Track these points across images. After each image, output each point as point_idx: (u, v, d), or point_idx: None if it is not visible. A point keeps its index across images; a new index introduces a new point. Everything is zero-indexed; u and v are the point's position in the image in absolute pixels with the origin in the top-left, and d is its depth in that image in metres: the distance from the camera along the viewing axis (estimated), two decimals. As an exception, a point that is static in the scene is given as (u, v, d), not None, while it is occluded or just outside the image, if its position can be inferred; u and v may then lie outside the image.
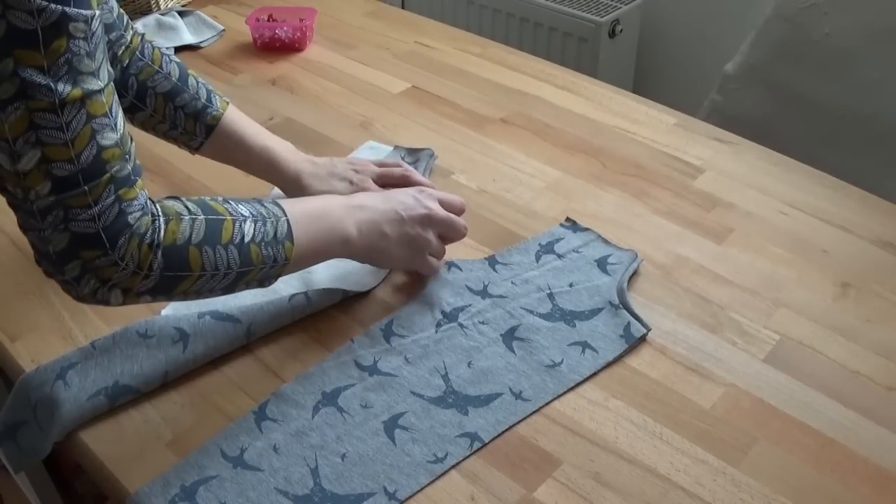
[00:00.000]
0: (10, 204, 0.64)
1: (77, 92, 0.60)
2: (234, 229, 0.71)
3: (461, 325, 0.84)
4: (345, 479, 0.70)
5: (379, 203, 0.83)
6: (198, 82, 0.94)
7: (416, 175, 0.99)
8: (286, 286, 0.88)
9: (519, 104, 1.21)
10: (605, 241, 0.93)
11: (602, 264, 0.90)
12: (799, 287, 0.88)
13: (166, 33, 1.38)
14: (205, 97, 0.94)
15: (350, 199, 0.83)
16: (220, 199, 0.74)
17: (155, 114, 0.92)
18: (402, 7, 2.22)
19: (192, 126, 0.93)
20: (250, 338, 0.83)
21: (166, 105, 0.92)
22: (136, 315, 0.85)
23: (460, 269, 0.90)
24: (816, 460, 0.71)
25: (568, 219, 0.97)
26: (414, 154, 1.09)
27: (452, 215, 0.88)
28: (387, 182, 0.97)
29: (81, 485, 1.32)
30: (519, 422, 0.75)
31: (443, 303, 0.86)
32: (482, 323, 0.84)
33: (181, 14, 1.43)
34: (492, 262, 0.91)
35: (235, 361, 0.82)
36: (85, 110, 0.61)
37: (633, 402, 0.76)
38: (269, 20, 1.39)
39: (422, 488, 0.70)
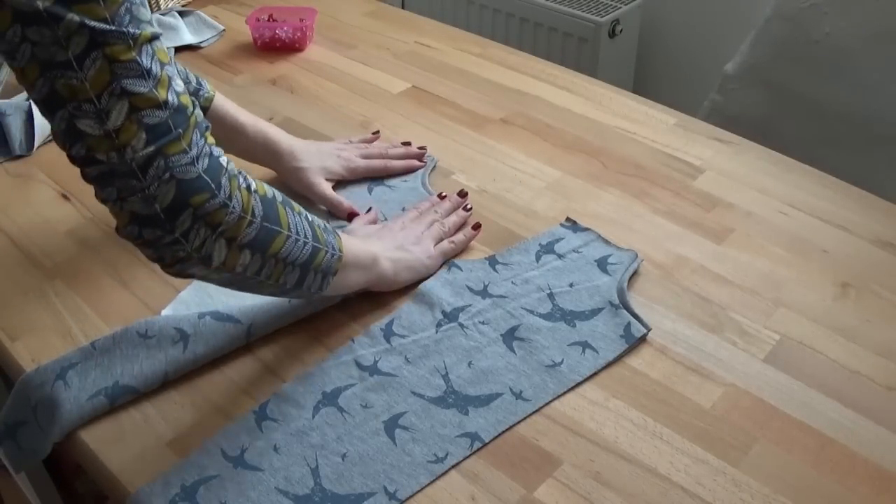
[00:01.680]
0: (102, 176, 0.62)
1: (146, 33, 0.60)
2: (295, 206, 0.73)
3: (461, 325, 0.84)
4: (345, 478, 0.70)
5: (394, 234, 0.90)
6: (185, 69, 0.95)
7: (394, 150, 1.07)
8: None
9: (519, 104, 1.21)
10: (605, 241, 0.93)
11: (602, 264, 0.90)
12: (799, 287, 0.88)
13: (166, 33, 1.38)
14: (195, 81, 0.95)
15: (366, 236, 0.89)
16: None
17: None
18: (402, 7, 2.22)
19: None
20: (250, 338, 0.83)
21: None
22: (137, 315, 0.85)
23: (460, 269, 0.90)
24: (816, 460, 0.71)
25: (568, 219, 0.97)
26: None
27: (454, 221, 0.95)
28: (367, 156, 1.05)
29: (81, 485, 1.32)
30: (519, 422, 0.75)
31: (443, 303, 0.86)
32: (482, 323, 0.84)
33: (181, 14, 1.43)
34: (492, 262, 0.92)
35: (235, 361, 0.82)
36: (157, 57, 0.61)
37: (633, 402, 0.76)
38: (269, 20, 1.39)
39: (422, 488, 0.70)
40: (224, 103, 0.98)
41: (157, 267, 0.92)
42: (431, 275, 0.89)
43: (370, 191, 1.03)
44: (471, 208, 0.97)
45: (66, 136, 0.60)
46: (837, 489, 0.69)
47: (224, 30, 1.43)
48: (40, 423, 0.76)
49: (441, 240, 0.92)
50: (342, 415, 0.76)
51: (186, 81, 0.94)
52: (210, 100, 0.96)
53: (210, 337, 0.81)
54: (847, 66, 1.28)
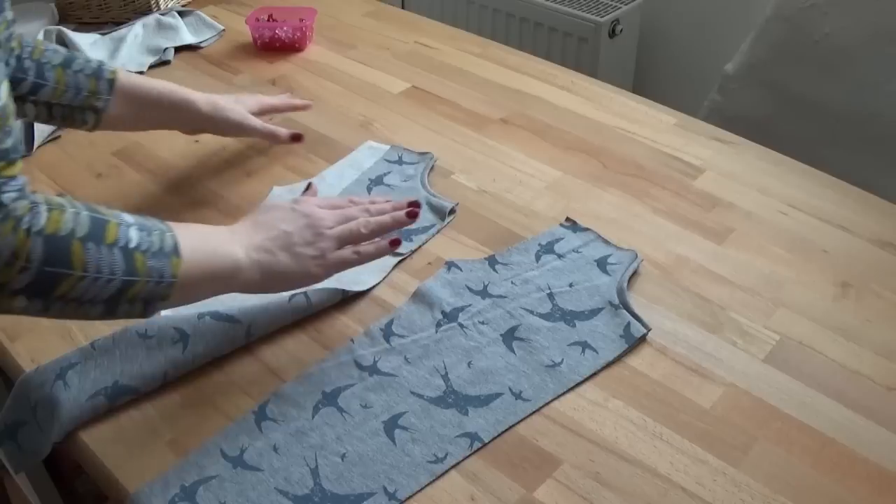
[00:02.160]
0: None
1: None
2: (118, 232, 0.66)
3: (461, 325, 0.84)
4: (345, 479, 0.70)
5: (259, 226, 0.78)
6: (83, 55, 0.96)
7: (296, 101, 1.11)
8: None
9: (519, 104, 1.21)
10: (605, 241, 0.93)
11: (602, 264, 0.90)
12: (799, 287, 0.88)
13: (166, 33, 1.38)
14: (95, 62, 0.95)
15: (230, 227, 0.78)
16: (104, 206, 0.68)
17: (58, 84, 0.91)
18: (402, 7, 2.22)
19: (95, 85, 0.94)
20: (250, 338, 0.83)
21: (64, 73, 0.92)
22: (136, 315, 0.85)
23: (460, 269, 0.90)
24: (816, 460, 0.71)
25: (568, 219, 0.97)
26: (412, 154, 1.09)
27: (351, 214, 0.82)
28: (265, 109, 1.08)
29: (81, 485, 1.32)
30: (519, 422, 0.75)
31: (443, 303, 0.86)
32: (482, 323, 0.84)
33: (181, 14, 1.43)
34: (492, 262, 0.92)
35: (235, 361, 0.82)
36: None
37: (633, 402, 0.76)
38: (269, 20, 1.39)
39: (422, 488, 0.70)
40: (129, 78, 0.97)
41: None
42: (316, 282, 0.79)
43: (369, 190, 1.03)
44: (415, 216, 0.84)
45: None
46: (837, 489, 0.68)
47: (224, 30, 1.43)
48: (40, 423, 0.76)
49: (348, 244, 0.80)
50: (342, 415, 0.76)
51: (88, 61, 0.94)
52: (115, 72, 0.95)
53: (210, 337, 0.81)
54: (847, 66, 1.28)
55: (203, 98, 1.01)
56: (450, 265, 0.91)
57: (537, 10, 1.95)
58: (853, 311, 0.85)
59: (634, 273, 0.89)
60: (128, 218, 0.68)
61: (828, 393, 0.76)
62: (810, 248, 0.93)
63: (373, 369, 0.80)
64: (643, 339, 0.82)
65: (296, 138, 1.07)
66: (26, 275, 0.61)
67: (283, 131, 1.06)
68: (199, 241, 0.72)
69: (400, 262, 0.93)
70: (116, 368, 0.78)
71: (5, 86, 0.62)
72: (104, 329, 0.84)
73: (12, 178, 0.60)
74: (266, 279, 0.75)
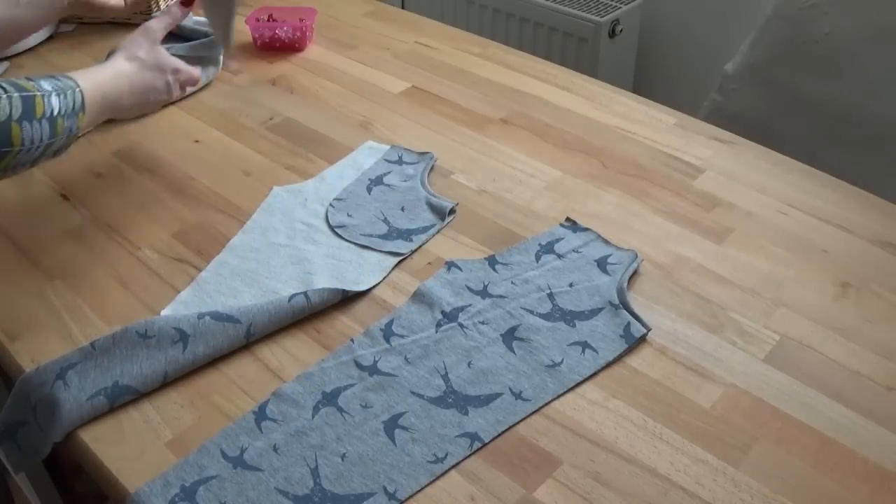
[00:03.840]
0: None
1: None
2: (44, 104, 0.77)
3: (461, 325, 0.84)
4: (345, 479, 0.70)
5: (140, 86, 0.95)
6: None
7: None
8: (286, 286, 0.89)
9: (519, 104, 1.21)
10: (605, 241, 0.93)
11: (602, 264, 0.90)
12: (799, 287, 0.88)
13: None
14: None
15: (128, 69, 0.94)
16: (24, 77, 0.78)
17: None
18: (402, 7, 2.22)
19: None
20: (250, 338, 0.83)
21: None
22: (137, 315, 0.85)
23: (460, 269, 0.90)
24: (816, 460, 0.71)
25: (568, 219, 0.97)
26: (412, 154, 1.09)
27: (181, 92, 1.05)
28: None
29: (81, 485, 1.32)
30: (519, 422, 0.75)
31: (443, 303, 0.86)
32: (482, 323, 0.84)
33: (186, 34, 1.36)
34: (492, 262, 0.92)
35: (235, 361, 0.82)
36: None
37: (633, 402, 0.76)
38: (269, 20, 1.39)
39: (422, 488, 0.70)
40: None
41: (157, 268, 0.93)
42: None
43: (369, 190, 1.03)
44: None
45: None
46: (837, 489, 0.68)
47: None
48: (40, 423, 0.76)
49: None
50: (342, 415, 0.76)
51: None
52: None
53: (209, 337, 0.81)
54: (847, 66, 1.28)
55: None
56: (450, 265, 0.91)
57: (537, 10, 1.95)
58: (853, 311, 0.85)
59: (634, 273, 0.89)
60: (45, 85, 0.79)
61: (828, 393, 0.76)
62: (810, 247, 0.93)
63: (373, 369, 0.80)
64: (643, 339, 0.82)
65: (185, 2, 1.09)
66: None
67: None
68: (100, 93, 0.87)
69: (400, 262, 0.93)
70: (116, 368, 0.78)
71: None
72: (104, 329, 0.84)
73: None
74: (129, 114, 1.01)
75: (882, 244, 0.93)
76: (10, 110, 0.74)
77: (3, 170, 0.76)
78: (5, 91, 0.74)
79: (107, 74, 0.90)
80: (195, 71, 1.06)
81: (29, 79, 0.78)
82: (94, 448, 0.74)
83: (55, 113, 0.78)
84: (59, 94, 0.79)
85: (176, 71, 1.01)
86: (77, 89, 0.81)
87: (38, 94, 0.77)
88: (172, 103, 1.20)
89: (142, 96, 0.95)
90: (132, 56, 0.95)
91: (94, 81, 0.86)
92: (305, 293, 0.85)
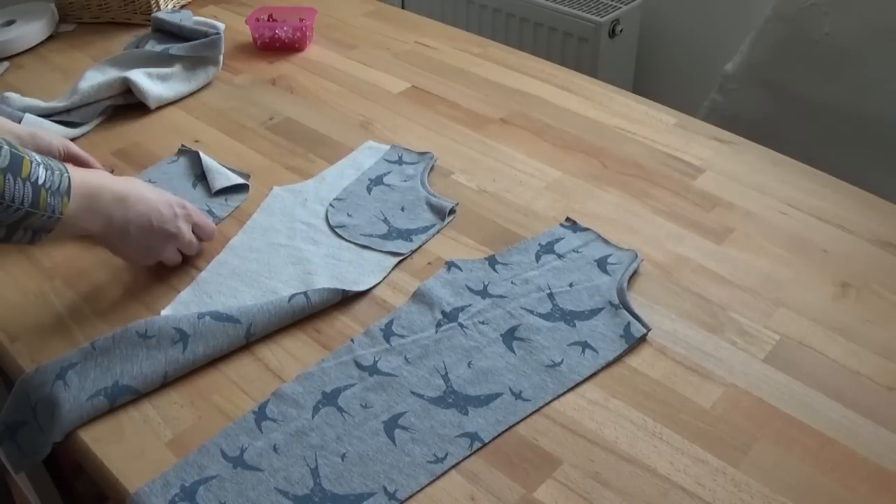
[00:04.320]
0: None
1: None
2: (31, 168, 0.74)
3: (461, 325, 0.84)
4: (345, 479, 0.70)
5: (140, 204, 0.85)
6: None
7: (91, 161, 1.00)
8: (286, 286, 0.89)
9: (519, 104, 1.21)
10: (605, 241, 0.93)
11: (602, 264, 0.90)
12: (799, 287, 0.88)
13: (166, 83, 1.26)
14: None
15: (120, 186, 0.84)
16: (13, 140, 0.76)
17: None
18: (402, 7, 2.22)
19: None
20: (250, 338, 0.83)
21: None
22: (137, 315, 0.85)
23: (460, 269, 0.90)
24: (816, 460, 0.71)
25: (568, 219, 0.97)
26: (412, 154, 1.09)
27: (195, 240, 0.92)
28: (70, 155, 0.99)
29: (81, 485, 1.32)
30: (519, 422, 0.75)
31: (443, 303, 0.86)
32: (482, 323, 0.84)
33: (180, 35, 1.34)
34: (492, 262, 0.92)
35: (235, 361, 0.82)
36: None
37: (633, 402, 0.76)
38: (269, 20, 1.39)
39: (422, 488, 0.70)
40: None
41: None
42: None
43: (369, 190, 1.03)
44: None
45: None
46: (837, 489, 0.68)
47: (223, 27, 1.42)
48: (40, 423, 0.76)
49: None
50: (342, 415, 0.76)
51: None
52: None
53: (209, 337, 0.81)
54: (847, 66, 1.28)
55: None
56: (450, 265, 0.91)
57: (537, 10, 1.95)
58: (853, 311, 0.85)
59: (634, 273, 0.89)
60: (36, 156, 0.76)
61: (828, 393, 0.76)
62: (810, 247, 0.93)
63: (373, 369, 0.80)
64: (643, 339, 0.82)
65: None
66: None
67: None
68: (87, 193, 0.80)
69: (400, 262, 0.93)
70: (116, 368, 0.78)
71: None
72: (104, 329, 0.84)
73: None
74: (106, 245, 0.85)
75: (882, 244, 0.93)
76: None
77: None
78: None
79: (97, 175, 0.83)
80: (210, 221, 0.95)
81: (19, 145, 0.76)
82: (94, 448, 0.74)
83: (40, 181, 0.74)
84: (47, 168, 0.76)
85: (184, 207, 0.90)
86: (66, 174, 0.78)
87: (27, 157, 0.74)
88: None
89: (137, 211, 0.84)
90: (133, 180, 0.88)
91: (84, 174, 0.81)
92: (305, 293, 0.85)
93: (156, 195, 0.87)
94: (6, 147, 0.72)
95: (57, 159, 0.90)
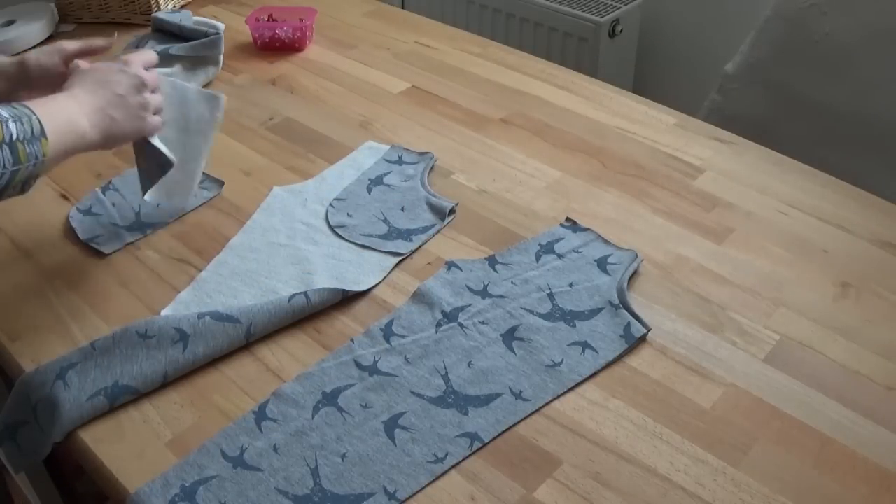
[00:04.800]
0: None
1: None
2: (3, 130, 0.73)
3: (461, 325, 0.84)
4: (345, 479, 0.70)
5: (98, 89, 0.85)
6: None
7: (94, 43, 0.99)
8: (286, 286, 0.89)
9: (519, 104, 1.21)
10: (605, 241, 0.93)
11: (602, 264, 0.90)
12: (799, 287, 0.88)
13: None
14: None
15: (73, 92, 0.84)
16: None
17: None
18: (402, 7, 2.22)
19: None
20: (250, 338, 0.83)
21: None
22: (137, 315, 0.85)
23: (460, 269, 0.90)
24: (816, 460, 0.71)
25: (568, 219, 0.97)
26: (412, 154, 1.09)
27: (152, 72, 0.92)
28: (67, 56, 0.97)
29: (81, 485, 1.32)
30: (519, 422, 0.75)
31: (443, 303, 0.86)
32: (482, 323, 0.84)
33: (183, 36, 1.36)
34: (492, 262, 0.92)
35: (235, 361, 0.82)
36: None
37: (633, 402, 0.76)
38: (269, 20, 1.39)
39: (422, 488, 0.70)
40: None
41: (156, 267, 0.93)
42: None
43: (369, 190, 1.03)
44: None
45: None
46: (837, 489, 0.68)
47: (224, 27, 1.42)
48: (40, 423, 0.76)
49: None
50: (342, 415, 0.76)
51: None
52: None
53: (209, 337, 0.81)
54: (847, 66, 1.28)
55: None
56: (450, 265, 0.91)
57: (537, 10, 1.95)
58: (853, 311, 0.85)
59: (634, 273, 0.89)
60: (3, 112, 0.74)
61: (828, 393, 0.76)
62: (810, 248, 0.93)
63: (373, 369, 0.80)
64: (643, 339, 0.82)
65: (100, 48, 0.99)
66: None
67: (67, 50, 0.96)
68: (56, 119, 0.79)
69: (400, 262, 0.93)
70: (116, 368, 0.78)
71: None
72: (104, 329, 0.84)
73: None
74: (107, 139, 0.85)
75: (882, 244, 0.93)
76: None
77: None
78: None
79: (58, 97, 0.83)
80: (144, 53, 0.94)
81: None
82: (94, 448, 0.74)
83: (14, 138, 0.74)
84: (16, 121, 0.75)
85: (125, 62, 0.90)
86: (33, 116, 0.76)
87: None
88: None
89: (114, 96, 0.85)
90: (71, 82, 0.88)
91: (48, 104, 0.80)
92: (305, 293, 0.85)
93: (99, 73, 0.87)
94: None
95: (59, 69, 0.94)
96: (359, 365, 0.80)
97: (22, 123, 0.75)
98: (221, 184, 1.06)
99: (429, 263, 0.93)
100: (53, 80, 0.94)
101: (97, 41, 0.98)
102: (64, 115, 0.81)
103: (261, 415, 0.76)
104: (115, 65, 0.89)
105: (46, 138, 0.77)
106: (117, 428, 0.76)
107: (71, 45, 0.96)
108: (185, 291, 0.89)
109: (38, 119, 0.77)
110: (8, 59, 0.94)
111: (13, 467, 0.79)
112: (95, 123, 0.83)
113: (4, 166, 0.73)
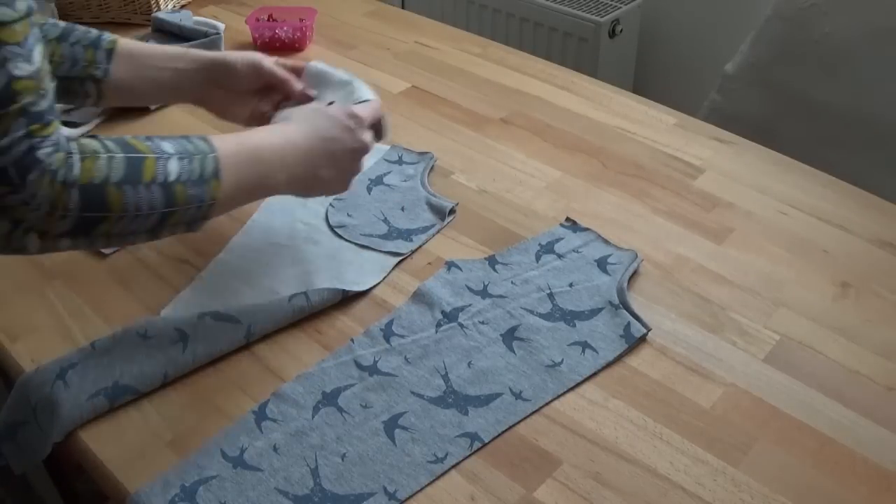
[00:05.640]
0: None
1: None
2: (156, 168, 0.69)
3: (461, 325, 0.84)
4: (345, 479, 0.70)
5: (314, 140, 0.82)
6: (82, 28, 0.92)
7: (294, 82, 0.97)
8: (286, 286, 0.89)
9: (519, 104, 1.21)
10: (605, 241, 0.93)
11: (602, 264, 0.90)
12: (799, 287, 0.88)
13: None
14: (95, 32, 0.91)
15: (286, 134, 0.81)
16: (142, 137, 0.71)
17: (53, 55, 0.88)
18: (402, 7, 2.22)
19: (92, 55, 0.89)
20: (250, 338, 0.83)
21: (61, 45, 0.89)
22: (137, 315, 0.85)
23: (460, 269, 0.90)
24: (816, 460, 0.71)
25: (568, 219, 0.97)
26: (412, 154, 1.09)
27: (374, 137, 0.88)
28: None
29: (81, 485, 1.32)
30: (519, 422, 0.75)
31: (443, 303, 0.86)
32: (482, 323, 0.84)
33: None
34: (492, 262, 0.92)
35: (235, 361, 0.82)
36: None
37: (633, 402, 0.76)
38: (269, 20, 1.39)
39: (422, 488, 0.70)
40: (131, 43, 0.92)
41: (157, 267, 0.93)
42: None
43: (369, 190, 1.03)
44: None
45: None
46: (837, 489, 0.68)
47: (224, 27, 1.42)
48: (40, 423, 0.76)
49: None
50: (342, 415, 0.76)
51: (87, 33, 0.90)
52: (114, 41, 0.91)
53: (209, 337, 0.81)
54: (847, 66, 1.28)
55: (204, 51, 0.95)
56: (450, 265, 0.91)
57: (537, 10, 1.95)
58: (853, 311, 0.85)
59: (634, 273, 0.89)
60: (168, 147, 0.70)
61: (828, 393, 0.76)
62: (810, 248, 0.93)
63: (373, 369, 0.80)
64: (643, 339, 0.82)
65: (306, 97, 0.95)
66: (67, 221, 0.65)
67: (296, 86, 0.95)
68: (246, 163, 0.75)
69: (400, 262, 0.93)
70: (116, 368, 0.78)
71: (39, 49, 0.63)
72: (104, 329, 0.84)
73: (48, 136, 0.63)
74: (299, 193, 0.84)
75: (882, 244, 0.93)
76: (108, 173, 0.66)
77: (103, 236, 0.67)
78: (107, 150, 0.67)
79: (251, 136, 0.78)
80: (372, 105, 0.89)
81: (149, 138, 0.71)
82: (94, 448, 0.74)
83: (171, 178, 0.69)
84: (181, 159, 0.70)
85: (353, 116, 0.85)
86: (211, 154, 0.72)
87: (152, 156, 0.69)
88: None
89: (316, 151, 0.81)
90: (288, 115, 0.84)
91: (237, 143, 0.76)
92: (305, 293, 0.85)
93: (324, 121, 0.83)
94: (119, 156, 0.67)
95: (252, 83, 0.93)
96: (359, 365, 0.80)
97: (190, 162, 0.71)
98: None
99: (429, 263, 0.93)
100: (244, 90, 0.94)
101: (297, 83, 0.94)
102: (258, 165, 0.77)
103: (261, 415, 0.76)
104: (344, 116, 0.84)
105: (219, 180, 0.72)
106: (117, 428, 0.76)
107: (270, 66, 0.93)
108: (185, 291, 0.89)
109: (215, 158, 0.72)
110: (210, 54, 0.93)
111: (15, 467, 0.79)
112: (297, 177, 0.80)
113: (153, 207, 0.68)
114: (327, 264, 0.92)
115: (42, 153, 0.62)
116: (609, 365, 0.80)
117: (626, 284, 0.87)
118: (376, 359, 0.81)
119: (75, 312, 0.87)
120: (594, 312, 0.84)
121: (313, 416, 0.75)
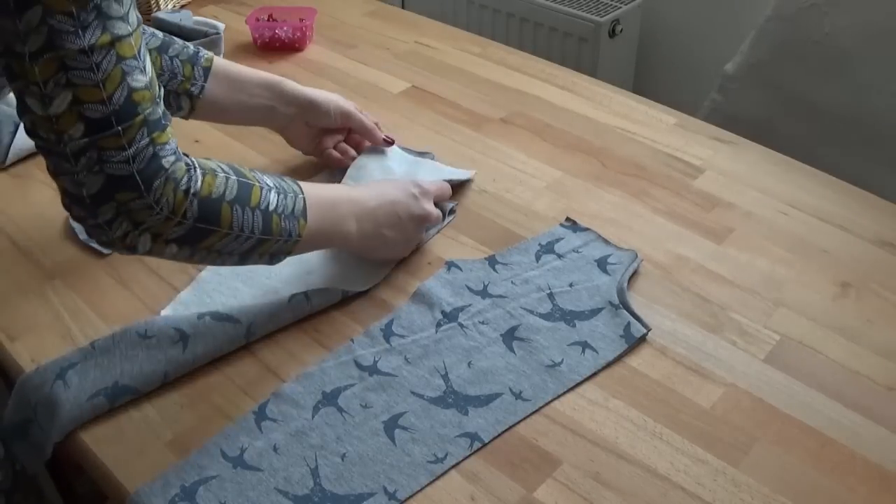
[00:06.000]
0: (42, 149, 0.65)
1: (106, 37, 0.61)
2: (261, 195, 0.74)
3: (461, 325, 0.84)
4: (345, 479, 0.70)
5: (382, 202, 0.87)
6: (179, 41, 0.96)
7: (375, 133, 1.06)
8: (286, 286, 0.89)
9: (519, 104, 1.21)
10: (605, 241, 0.93)
11: (602, 264, 0.90)
12: (799, 287, 0.88)
13: None
14: (192, 47, 0.96)
15: (357, 192, 0.87)
16: (245, 167, 0.76)
17: (153, 66, 0.91)
18: (402, 7, 2.22)
19: (191, 71, 0.94)
20: (250, 338, 0.83)
21: (161, 57, 0.93)
22: (137, 315, 0.85)
23: (460, 269, 0.90)
24: (816, 460, 0.71)
25: (568, 219, 0.97)
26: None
27: (438, 212, 0.94)
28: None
29: (81, 485, 1.32)
30: (519, 422, 0.75)
31: (443, 303, 0.86)
32: (482, 323, 0.84)
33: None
34: (492, 262, 0.92)
35: (235, 361, 0.82)
36: (115, 52, 0.62)
37: (633, 402, 0.76)
38: (269, 20, 1.39)
39: (422, 488, 0.70)
40: (226, 64, 0.98)
41: (157, 268, 0.93)
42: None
43: (370, 191, 1.03)
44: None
45: (19, 104, 0.63)
46: (837, 489, 0.68)
47: (224, 27, 1.42)
48: (41, 423, 0.76)
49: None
50: (342, 415, 0.76)
51: (185, 47, 0.94)
52: (211, 60, 0.96)
53: (209, 337, 0.81)
54: (847, 66, 1.28)
55: (294, 85, 1.02)
56: (450, 265, 0.91)
57: (537, 10, 1.95)
58: (853, 311, 0.85)
59: (634, 273, 0.89)
60: (268, 181, 0.76)
61: (828, 393, 0.76)
62: (810, 248, 0.93)
63: (373, 369, 0.80)
64: (643, 339, 0.82)
65: (388, 141, 1.07)
66: (181, 228, 0.69)
67: (378, 135, 1.06)
68: (323, 207, 0.81)
69: (400, 262, 0.93)
70: (116, 368, 0.78)
71: (149, 57, 0.67)
72: (104, 329, 0.84)
73: (167, 143, 0.67)
74: (364, 251, 0.88)
75: (882, 244, 0.93)
76: (225, 190, 0.71)
77: (205, 249, 0.72)
78: (223, 170, 0.73)
79: (341, 193, 0.86)
80: (442, 183, 0.97)
81: (253, 170, 0.76)
82: (94, 448, 0.74)
83: (271, 208, 0.74)
84: (279, 192, 0.76)
85: (419, 185, 0.91)
86: (300, 195, 0.78)
87: (258, 184, 0.74)
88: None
89: (383, 212, 0.86)
90: (364, 164, 0.93)
91: (319, 192, 0.82)
92: (305, 293, 0.85)
93: (391, 187, 0.90)
94: (233, 177, 0.73)
95: (338, 126, 1.04)
96: (359, 365, 0.80)
97: (285, 197, 0.76)
98: None
99: (429, 263, 0.93)
100: (330, 131, 1.04)
101: (379, 133, 1.05)
102: (335, 212, 0.83)
103: (261, 415, 0.76)
104: (411, 185, 0.90)
105: (305, 220, 0.78)
106: (117, 428, 0.76)
107: (359, 116, 1.04)
108: (185, 291, 0.89)
109: (304, 199, 0.78)
110: (303, 94, 1.01)
111: (29, 467, 0.79)
112: (365, 233, 0.85)
113: (253, 231, 0.73)
114: (327, 264, 0.92)
115: (166, 161, 0.67)
116: (609, 365, 0.80)
117: (626, 284, 0.87)
118: (376, 359, 0.81)
119: (75, 312, 0.87)
120: (594, 312, 0.84)
121: (313, 416, 0.75)
